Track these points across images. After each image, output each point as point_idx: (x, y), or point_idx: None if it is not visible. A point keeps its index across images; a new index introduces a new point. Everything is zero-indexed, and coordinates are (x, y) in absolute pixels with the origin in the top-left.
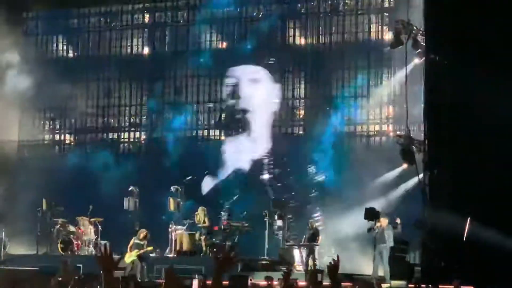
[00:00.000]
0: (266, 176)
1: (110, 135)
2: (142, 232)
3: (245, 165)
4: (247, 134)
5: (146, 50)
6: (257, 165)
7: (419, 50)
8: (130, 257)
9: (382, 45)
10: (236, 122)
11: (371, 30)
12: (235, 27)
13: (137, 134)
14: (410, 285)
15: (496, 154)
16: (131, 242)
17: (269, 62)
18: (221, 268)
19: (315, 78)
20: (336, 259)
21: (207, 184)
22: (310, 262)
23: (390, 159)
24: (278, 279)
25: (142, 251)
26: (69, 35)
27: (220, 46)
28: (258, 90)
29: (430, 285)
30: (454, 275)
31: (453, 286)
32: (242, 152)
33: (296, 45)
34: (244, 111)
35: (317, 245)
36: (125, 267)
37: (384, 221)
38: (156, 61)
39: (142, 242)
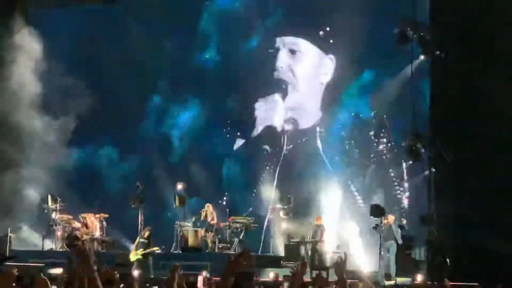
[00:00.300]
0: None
1: (115, 130)
2: (147, 231)
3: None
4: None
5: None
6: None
7: (425, 46)
8: (135, 255)
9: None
10: None
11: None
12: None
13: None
14: (416, 282)
15: (503, 150)
16: (136, 241)
17: None
18: (231, 269)
19: None
20: (342, 255)
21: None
22: (315, 258)
23: (396, 155)
24: (283, 275)
25: (148, 251)
26: (71, 30)
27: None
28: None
29: (435, 282)
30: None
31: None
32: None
33: None
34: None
35: (323, 241)
36: (130, 264)
37: (391, 218)
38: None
39: (147, 241)
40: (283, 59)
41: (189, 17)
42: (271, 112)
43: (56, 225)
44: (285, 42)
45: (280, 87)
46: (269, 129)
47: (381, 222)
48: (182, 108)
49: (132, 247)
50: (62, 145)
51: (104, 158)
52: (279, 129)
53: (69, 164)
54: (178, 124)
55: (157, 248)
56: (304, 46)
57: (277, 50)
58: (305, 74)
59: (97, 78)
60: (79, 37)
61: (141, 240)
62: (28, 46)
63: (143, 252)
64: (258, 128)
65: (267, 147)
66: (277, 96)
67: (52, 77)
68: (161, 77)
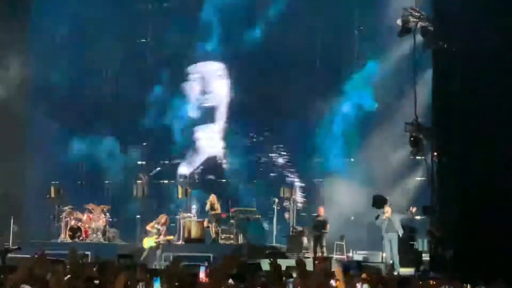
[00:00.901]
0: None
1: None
2: (163, 218)
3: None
4: None
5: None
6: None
7: (428, 37)
8: (149, 242)
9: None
10: None
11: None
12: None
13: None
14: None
15: (506, 142)
16: (152, 224)
17: None
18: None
19: None
20: (344, 246)
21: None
22: (318, 249)
23: (398, 146)
24: (286, 267)
25: (162, 238)
26: (74, 22)
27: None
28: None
29: (438, 274)
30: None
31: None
32: None
33: None
34: None
35: (326, 232)
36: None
37: (389, 210)
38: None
39: (161, 228)
40: None
41: (191, 7)
42: None
43: (58, 216)
44: None
45: None
46: None
47: (383, 213)
48: (184, 100)
49: (144, 235)
50: (63, 135)
51: (105, 150)
52: None
53: (70, 155)
54: (179, 116)
55: (172, 237)
56: None
57: None
58: None
59: (97, 68)
60: (79, 26)
61: (157, 227)
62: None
63: (157, 240)
64: None
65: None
66: None
67: (52, 68)
68: (162, 68)
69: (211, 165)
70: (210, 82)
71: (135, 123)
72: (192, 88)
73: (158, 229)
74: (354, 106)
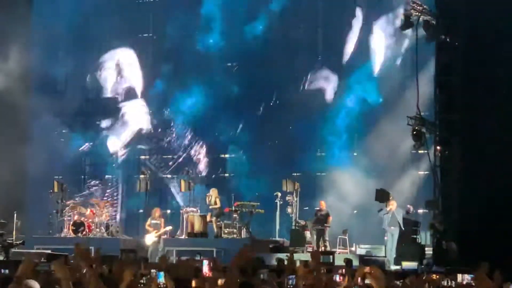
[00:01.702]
0: None
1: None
2: (156, 211)
3: None
4: None
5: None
6: None
7: (430, 31)
8: (150, 238)
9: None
10: None
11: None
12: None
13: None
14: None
15: (507, 135)
16: (148, 222)
17: None
18: (236, 261)
19: None
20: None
21: None
22: (321, 243)
23: (402, 140)
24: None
25: (162, 231)
26: (73, 16)
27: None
28: None
29: (440, 268)
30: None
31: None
32: None
33: None
34: None
35: (328, 226)
36: (137, 249)
37: (393, 204)
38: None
39: (158, 221)
40: None
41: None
42: None
43: (62, 211)
44: None
45: None
46: None
47: (386, 206)
48: (185, 94)
49: (146, 232)
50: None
51: (106, 145)
52: None
53: (71, 150)
54: (180, 110)
55: (170, 227)
56: None
57: None
58: None
59: (97, 63)
60: (79, 18)
61: (153, 221)
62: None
63: (157, 234)
64: None
65: None
66: None
67: (53, 60)
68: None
69: (212, 159)
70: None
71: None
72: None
73: (156, 223)
74: (358, 100)
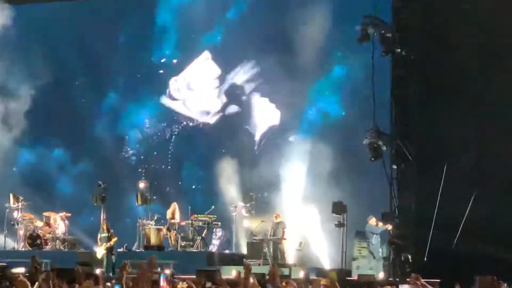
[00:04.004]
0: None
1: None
2: (104, 224)
3: None
4: None
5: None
6: None
7: (386, 44)
8: (100, 251)
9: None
10: None
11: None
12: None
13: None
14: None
15: (463, 146)
16: (98, 237)
17: None
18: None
19: None
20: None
21: None
22: (278, 256)
23: (361, 152)
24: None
25: (109, 243)
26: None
27: None
28: None
29: (397, 279)
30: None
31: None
32: None
33: None
34: None
35: (285, 239)
36: (93, 263)
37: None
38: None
39: (107, 234)
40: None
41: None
42: None
43: (18, 224)
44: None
45: None
46: None
47: (342, 219)
48: (139, 107)
49: (96, 246)
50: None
51: (55, 161)
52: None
53: (27, 163)
54: (134, 124)
55: (116, 238)
56: None
57: None
58: None
59: (49, 74)
60: (35, 32)
61: (103, 235)
62: None
63: (106, 246)
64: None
65: None
66: None
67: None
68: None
69: (170, 174)
70: None
71: (88, 132)
72: None
73: (105, 236)
74: (319, 113)
